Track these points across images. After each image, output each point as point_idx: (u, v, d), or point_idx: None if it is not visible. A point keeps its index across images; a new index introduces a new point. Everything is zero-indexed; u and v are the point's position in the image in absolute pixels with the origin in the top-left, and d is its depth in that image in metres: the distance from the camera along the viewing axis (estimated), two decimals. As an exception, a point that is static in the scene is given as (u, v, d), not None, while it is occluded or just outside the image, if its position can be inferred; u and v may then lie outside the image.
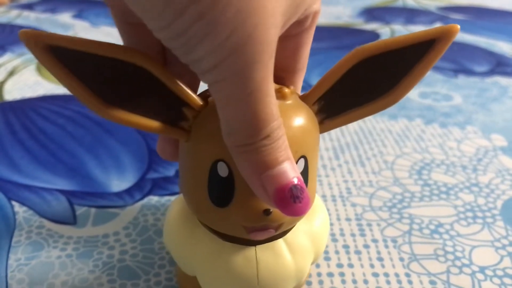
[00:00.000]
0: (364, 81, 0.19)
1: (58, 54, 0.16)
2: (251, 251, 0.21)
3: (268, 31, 0.14)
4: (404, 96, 0.19)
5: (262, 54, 0.14)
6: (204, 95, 0.19)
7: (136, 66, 0.17)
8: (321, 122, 0.20)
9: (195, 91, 0.20)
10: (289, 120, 0.18)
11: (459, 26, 0.18)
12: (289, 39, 0.20)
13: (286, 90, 0.19)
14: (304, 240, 0.22)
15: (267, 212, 0.18)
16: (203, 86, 0.18)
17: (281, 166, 0.16)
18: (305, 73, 0.22)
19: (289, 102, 0.19)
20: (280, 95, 0.19)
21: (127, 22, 0.18)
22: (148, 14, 0.14)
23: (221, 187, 0.19)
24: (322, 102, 0.20)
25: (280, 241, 0.21)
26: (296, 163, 0.18)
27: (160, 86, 0.17)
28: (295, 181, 0.16)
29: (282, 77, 0.21)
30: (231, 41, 0.14)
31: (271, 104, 0.16)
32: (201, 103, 0.19)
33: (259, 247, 0.21)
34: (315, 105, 0.20)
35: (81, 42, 0.16)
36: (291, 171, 0.16)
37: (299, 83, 0.22)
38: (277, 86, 0.20)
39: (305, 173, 0.19)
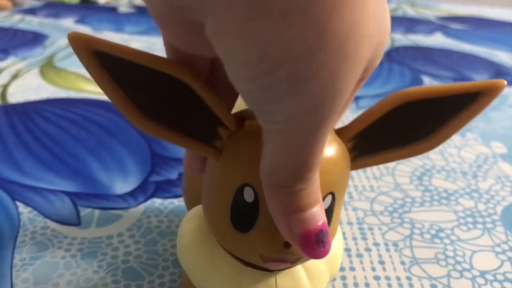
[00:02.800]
0: (403, 124, 0.19)
1: (103, 61, 0.16)
2: (271, 278, 0.20)
3: (349, 91, 0.14)
4: (441, 144, 0.19)
5: (335, 112, 0.14)
6: (240, 116, 0.19)
7: (178, 81, 0.17)
8: (353, 160, 0.20)
9: (230, 110, 0.19)
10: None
11: (506, 82, 0.18)
12: None
13: None
14: (322, 265, 0.22)
15: (287, 245, 0.18)
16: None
17: (311, 210, 0.16)
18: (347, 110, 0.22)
19: None
20: None
21: (178, 50, 0.18)
22: (237, 63, 0.13)
23: (245, 212, 0.18)
24: (357, 139, 0.19)
25: (299, 267, 0.21)
26: (323, 199, 0.18)
27: (198, 103, 0.17)
28: (321, 225, 0.16)
29: None
30: (313, 100, 0.13)
31: (322, 153, 0.15)
32: (237, 125, 0.18)
33: (279, 274, 0.21)
34: (350, 142, 0.19)
35: (128, 51, 0.16)
36: (319, 215, 0.16)
37: (339, 118, 0.21)
38: None
39: (330, 210, 0.19)
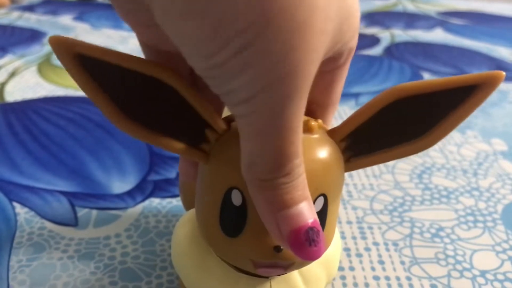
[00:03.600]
0: (398, 122, 0.18)
1: (86, 64, 0.15)
2: (266, 284, 0.20)
3: (309, 67, 0.14)
4: (438, 142, 0.18)
5: (298, 90, 0.14)
6: (227, 119, 0.19)
7: (163, 84, 0.16)
8: (347, 160, 0.19)
9: (219, 115, 0.19)
10: (312, 155, 0.17)
11: (504, 73, 0.17)
12: (323, 75, 0.19)
13: (313, 123, 0.18)
14: (318, 269, 0.21)
15: (277, 249, 0.17)
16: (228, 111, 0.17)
17: (298, 206, 0.16)
18: (337, 108, 0.21)
19: (315, 136, 0.18)
20: (307, 128, 0.18)
21: (155, 49, 0.18)
22: (191, 43, 0.13)
23: (233, 216, 0.18)
24: (350, 139, 0.18)
25: (294, 273, 0.21)
26: (314, 201, 0.18)
27: (185, 105, 0.17)
28: (311, 223, 0.16)
29: (313, 110, 0.20)
30: (270, 75, 0.13)
31: (297, 141, 0.15)
32: (225, 127, 0.18)
33: (274, 280, 0.20)
34: (343, 142, 0.19)
35: (110, 54, 0.15)
36: (308, 212, 0.16)
37: (330, 117, 0.21)
38: (305, 118, 0.18)
39: (323, 213, 0.18)
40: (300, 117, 0.15)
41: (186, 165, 0.21)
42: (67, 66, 0.15)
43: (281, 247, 0.17)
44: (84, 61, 0.15)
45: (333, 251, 0.22)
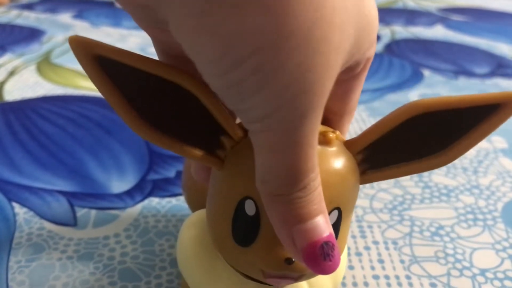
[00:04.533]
0: (416, 136, 0.18)
1: (104, 65, 0.15)
2: None
3: (325, 84, 0.13)
4: (457, 158, 0.18)
5: (314, 107, 0.14)
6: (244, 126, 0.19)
7: (181, 88, 0.16)
8: (363, 173, 0.19)
9: (236, 121, 0.19)
10: (328, 168, 0.17)
11: None
12: (339, 84, 0.18)
13: (331, 135, 0.17)
14: (325, 277, 0.21)
15: (289, 261, 0.17)
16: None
17: (314, 221, 0.15)
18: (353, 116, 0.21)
19: (332, 149, 0.18)
20: (324, 140, 0.17)
21: (171, 54, 0.17)
22: (203, 60, 0.13)
23: (246, 226, 0.18)
24: (367, 152, 0.18)
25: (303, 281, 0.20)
26: (329, 214, 0.17)
27: (202, 111, 0.17)
28: (327, 237, 0.15)
29: (329, 118, 0.20)
30: (286, 94, 0.13)
31: (313, 156, 0.15)
32: (241, 135, 0.18)
33: (281, 287, 0.20)
34: (360, 155, 0.18)
35: (130, 56, 0.15)
36: (323, 226, 0.16)
37: (346, 126, 0.21)
38: (323, 128, 0.18)
39: (336, 226, 0.18)
40: (315, 132, 0.14)
41: (198, 169, 0.21)
42: (86, 67, 0.15)
43: (293, 259, 0.17)
44: (103, 63, 0.15)
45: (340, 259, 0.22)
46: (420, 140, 0.18)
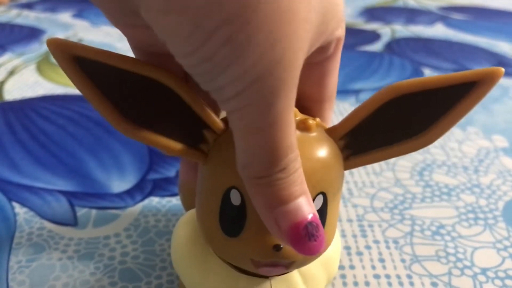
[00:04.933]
0: (397, 119, 0.18)
1: (84, 66, 0.15)
2: (266, 283, 0.20)
3: (296, 56, 0.14)
4: (438, 138, 0.18)
5: (287, 81, 0.14)
6: (226, 119, 0.18)
7: (161, 85, 0.16)
8: (346, 159, 0.19)
9: (217, 115, 0.19)
10: (310, 153, 0.17)
11: (503, 69, 0.17)
12: (313, 67, 0.19)
13: (311, 121, 0.18)
14: (318, 269, 0.21)
15: (277, 247, 0.17)
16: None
17: (296, 202, 0.16)
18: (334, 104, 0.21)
19: (313, 134, 0.18)
20: (304, 127, 0.18)
21: (146, 52, 0.18)
22: (174, 39, 0.13)
23: (232, 216, 0.18)
24: (349, 137, 0.18)
25: (295, 272, 0.21)
26: (314, 199, 0.17)
27: (183, 106, 0.17)
28: (311, 217, 0.16)
29: (309, 107, 0.20)
30: (258, 66, 0.13)
31: (291, 135, 0.15)
32: (223, 127, 0.18)
33: (274, 279, 0.20)
34: (342, 140, 0.18)
35: (108, 55, 0.15)
36: (306, 207, 0.16)
37: (328, 113, 0.21)
38: (303, 117, 0.19)
39: (323, 211, 0.18)
40: (291, 109, 0.15)
41: (187, 167, 0.21)
42: (65, 68, 0.15)
43: (281, 246, 0.17)
44: (82, 63, 0.15)
45: (333, 251, 0.22)
46: (400, 123, 0.18)
